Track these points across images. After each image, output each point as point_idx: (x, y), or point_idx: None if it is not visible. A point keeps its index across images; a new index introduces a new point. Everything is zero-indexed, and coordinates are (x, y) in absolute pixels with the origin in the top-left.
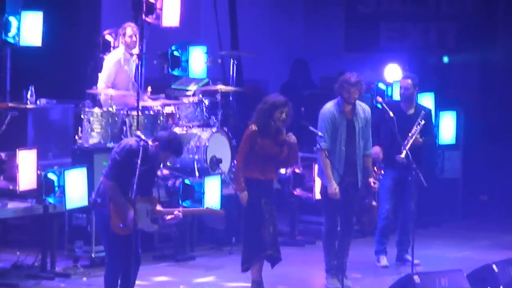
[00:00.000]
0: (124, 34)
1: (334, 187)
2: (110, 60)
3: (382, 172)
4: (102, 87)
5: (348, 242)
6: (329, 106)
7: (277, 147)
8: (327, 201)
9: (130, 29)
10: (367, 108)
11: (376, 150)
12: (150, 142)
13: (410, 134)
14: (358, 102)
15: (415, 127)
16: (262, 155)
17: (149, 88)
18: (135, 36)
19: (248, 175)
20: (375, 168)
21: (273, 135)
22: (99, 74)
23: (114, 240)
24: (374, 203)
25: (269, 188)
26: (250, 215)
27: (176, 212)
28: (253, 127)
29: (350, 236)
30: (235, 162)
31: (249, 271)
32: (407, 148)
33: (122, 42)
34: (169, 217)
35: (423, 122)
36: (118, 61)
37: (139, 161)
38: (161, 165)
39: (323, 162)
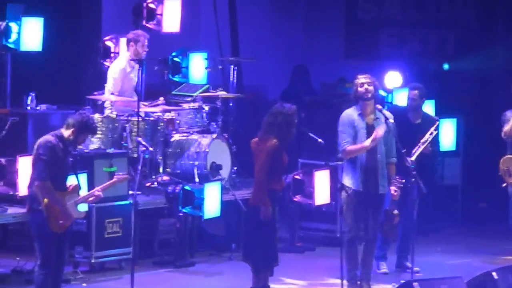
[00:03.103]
0: (136, 42)
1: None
2: (115, 68)
3: (403, 180)
4: (108, 96)
5: (373, 251)
6: (348, 111)
7: (286, 154)
8: (348, 208)
9: (144, 38)
10: (389, 115)
11: None
12: (63, 132)
13: (422, 141)
14: (380, 110)
15: (428, 135)
16: (282, 166)
17: (161, 98)
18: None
19: (268, 186)
20: (396, 177)
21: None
22: (105, 85)
23: (50, 240)
24: (395, 211)
25: (279, 195)
26: (266, 226)
27: (96, 193)
28: (275, 141)
29: (375, 246)
30: (258, 178)
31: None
32: (416, 154)
33: (131, 50)
34: (91, 199)
35: (436, 132)
36: (124, 68)
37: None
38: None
39: (351, 151)
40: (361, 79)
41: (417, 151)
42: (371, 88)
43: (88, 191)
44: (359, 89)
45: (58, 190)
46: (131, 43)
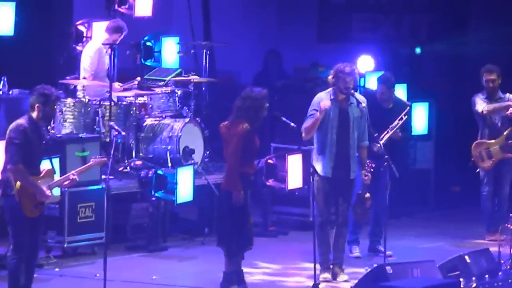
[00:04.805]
0: (122, 32)
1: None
2: (91, 49)
3: (373, 165)
4: (87, 75)
5: (344, 235)
6: (321, 94)
7: (259, 138)
8: (319, 193)
9: (126, 31)
10: (363, 99)
11: None
12: (32, 114)
13: (391, 126)
14: (353, 94)
15: (397, 121)
16: (253, 150)
17: (138, 78)
18: None
19: (240, 170)
20: (367, 161)
21: (258, 128)
22: (82, 66)
23: (23, 225)
24: (367, 194)
25: (251, 179)
26: (238, 210)
27: (71, 177)
28: (246, 125)
29: (346, 230)
30: (230, 163)
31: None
32: (384, 139)
33: (112, 37)
34: (66, 183)
35: (406, 117)
36: (100, 49)
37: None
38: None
39: (306, 128)
40: (347, 77)
41: (386, 136)
42: (352, 85)
43: (61, 175)
44: (342, 84)
45: (32, 175)
46: (117, 32)
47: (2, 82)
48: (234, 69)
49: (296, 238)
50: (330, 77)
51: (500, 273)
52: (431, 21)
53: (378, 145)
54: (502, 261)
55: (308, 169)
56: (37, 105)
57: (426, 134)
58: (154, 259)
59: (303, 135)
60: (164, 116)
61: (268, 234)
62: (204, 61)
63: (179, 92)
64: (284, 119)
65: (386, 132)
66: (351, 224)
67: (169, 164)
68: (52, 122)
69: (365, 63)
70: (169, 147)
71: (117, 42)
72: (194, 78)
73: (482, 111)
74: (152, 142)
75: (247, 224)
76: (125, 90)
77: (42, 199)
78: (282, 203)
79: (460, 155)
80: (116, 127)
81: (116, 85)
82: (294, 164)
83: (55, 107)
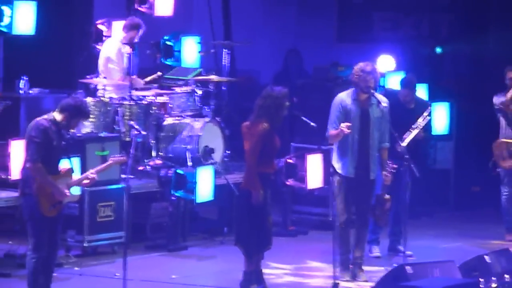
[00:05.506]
0: (139, 30)
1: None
2: (113, 47)
3: (395, 166)
4: (119, 76)
5: (365, 236)
6: (342, 95)
7: (279, 137)
8: (339, 193)
9: (143, 28)
10: (384, 100)
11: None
12: (56, 115)
13: (413, 126)
14: (373, 94)
15: (420, 120)
16: (273, 150)
17: (159, 73)
18: None
19: (259, 169)
20: (389, 162)
21: (278, 127)
22: (109, 65)
23: (42, 224)
24: (387, 196)
25: (271, 179)
26: (257, 210)
27: (90, 176)
28: (266, 125)
29: (367, 230)
30: (249, 163)
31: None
32: (408, 139)
33: (129, 35)
34: (85, 182)
35: (429, 117)
36: (120, 48)
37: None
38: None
39: (330, 136)
40: (367, 76)
41: (409, 136)
42: (373, 84)
43: (81, 174)
44: (362, 83)
45: (51, 174)
46: (134, 29)
47: (22, 81)
48: (254, 69)
49: (316, 237)
50: (352, 76)
51: None
52: (452, 21)
53: (402, 145)
54: None
55: (328, 169)
56: (66, 113)
57: (447, 134)
58: (173, 259)
59: (328, 140)
60: (184, 116)
61: (288, 234)
62: (224, 60)
63: (199, 92)
64: (304, 118)
65: (408, 132)
66: (371, 223)
67: (189, 164)
68: None
69: (386, 62)
70: (189, 146)
71: (135, 40)
72: (214, 77)
73: (500, 105)
74: (172, 141)
75: (266, 224)
76: (147, 84)
77: (60, 199)
78: (302, 202)
79: (481, 155)
80: (136, 127)
81: (139, 80)
82: (313, 164)
83: (79, 123)
